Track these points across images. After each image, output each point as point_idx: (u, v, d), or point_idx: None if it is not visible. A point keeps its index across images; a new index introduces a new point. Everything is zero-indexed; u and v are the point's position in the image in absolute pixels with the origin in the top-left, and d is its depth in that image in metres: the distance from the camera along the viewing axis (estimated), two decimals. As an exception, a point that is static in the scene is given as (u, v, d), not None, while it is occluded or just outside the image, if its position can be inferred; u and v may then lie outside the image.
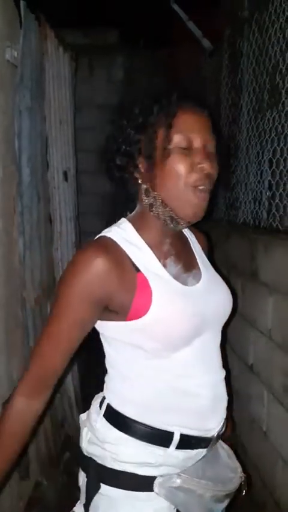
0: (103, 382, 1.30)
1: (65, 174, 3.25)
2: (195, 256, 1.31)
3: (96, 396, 1.31)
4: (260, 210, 2.54)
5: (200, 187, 1.12)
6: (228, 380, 1.34)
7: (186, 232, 1.36)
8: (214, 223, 3.24)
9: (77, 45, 3.76)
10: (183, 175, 1.11)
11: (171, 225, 1.18)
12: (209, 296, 1.22)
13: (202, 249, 1.38)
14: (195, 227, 1.41)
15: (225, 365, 1.34)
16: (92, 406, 1.30)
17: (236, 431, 1.40)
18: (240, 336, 2.56)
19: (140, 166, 1.18)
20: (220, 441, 1.34)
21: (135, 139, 1.16)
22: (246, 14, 2.69)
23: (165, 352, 1.15)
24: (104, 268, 1.08)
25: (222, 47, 3.10)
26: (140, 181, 1.19)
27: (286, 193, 2.16)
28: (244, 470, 1.32)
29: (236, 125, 2.85)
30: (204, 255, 1.35)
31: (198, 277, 1.24)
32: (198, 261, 1.30)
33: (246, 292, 2.50)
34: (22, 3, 2.22)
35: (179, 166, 1.12)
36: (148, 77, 4.87)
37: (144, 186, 1.18)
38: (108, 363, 1.24)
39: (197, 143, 1.12)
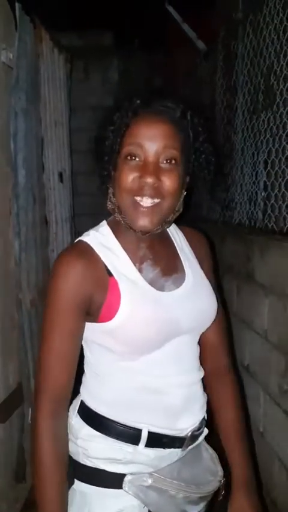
0: None
1: (61, 175, 3.25)
2: (180, 260, 1.28)
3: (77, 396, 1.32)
4: (256, 210, 2.54)
5: (142, 202, 1.10)
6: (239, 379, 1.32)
7: (174, 235, 1.33)
8: (209, 224, 3.25)
9: (72, 48, 3.77)
10: (126, 187, 1.10)
11: (132, 232, 1.16)
12: (188, 303, 1.20)
13: (196, 252, 1.34)
14: (193, 229, 1.40)
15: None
16: (71, 404, 1.30)
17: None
18: (236, 337, 2.56)
19: (105, 171, 1.19)
20: (205, 443, 1.33)
21: (103, 147, 1.17)
22: (241, 15, 2.70)
23: (132, 355, 1.16)
24: (80, 274, 1.10)
25: (217, 49, 3.11)
26: (108, 186, 1.21)
27: (281, 194, 2.16)
28: (226, 475, 1.29)
29: (231, 126, 2.85)
30: (194, 259, 1.32)
31: (179, 282, 1.22)
32: (184, 265, 1.27)
33: (242, 293, 2.50)
34: (17, 6, 2.22)
35: (123, 178, 1.11)
36: (143, 79, 4.88)
37: (109, 192, 1.20)
38: (85, 362, 1.26)
39: (145, 155, 1.09)
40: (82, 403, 1.24)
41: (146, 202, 1.10)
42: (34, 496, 1.22)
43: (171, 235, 1.32)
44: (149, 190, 1.09)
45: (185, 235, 1.35)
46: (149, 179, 1.08)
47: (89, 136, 1.24)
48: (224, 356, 1.39)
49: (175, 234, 1.34)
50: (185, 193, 1.21)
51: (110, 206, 1.20)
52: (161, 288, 1.18)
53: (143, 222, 1.11)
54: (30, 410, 2.43)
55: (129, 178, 1.10)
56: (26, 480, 2.45)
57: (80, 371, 1.21)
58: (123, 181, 1.11)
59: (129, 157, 1.10)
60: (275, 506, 2.06)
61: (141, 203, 1.10)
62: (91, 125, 1.27)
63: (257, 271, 2.27)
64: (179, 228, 1.36)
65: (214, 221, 3.20)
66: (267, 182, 2.37)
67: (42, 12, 2.65)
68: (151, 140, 1.09)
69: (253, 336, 2.31)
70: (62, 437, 1.17)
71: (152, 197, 1.09)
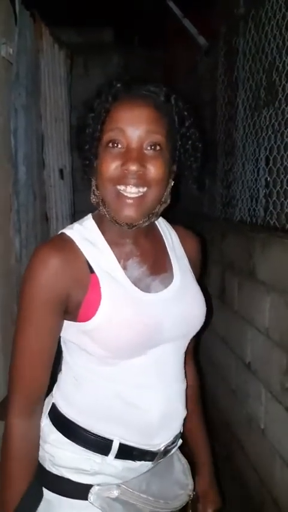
0: None
1: (61, 172, 3.24)
2: (169, 259, 1.19)
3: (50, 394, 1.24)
4: (257, 207, 2.53)
5: (126, 191, 1.02)
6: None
7: (165, 232, 1.25)
8: (211, 221, 3.24)
9: (72, 44, 3.75)
10: (108, 176, 1.02)
11: (117, 225, 1.07)
12: (175, 305, 1.12)
13: (188, 253, 1.26)
14: (186, 229, 1.32)
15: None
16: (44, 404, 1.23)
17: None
18: (238, 334, 2.56)
19: (86, 162, 1.11)
20: (178, 453, 1.29)
21: (84, 137, 1.08)
22: (243, 11, 2.68)
23: (111, 360, 1.08)
24: (57, 268, 1.02)
25: (218, 45, 3.09)
26: (91, 178, 1.13)
27: (283, 191, 2.15)
28: (218, 491, 1.34)
29: (233, 123, 2.84)
30: (184, 260, 1.23)
31: (167, 283, 1.14)
32: (173, 264, 1.19)
33: (244, 291, 2.49)
34: (17, 0, 2.21)
35: (104, 167, 1.03)
36: (144, 75, 4.87)
37: (93, 184, 1.12)
38: (63, 361, 1.18)
39: (128, 141, 1.02)
40: (54, 406, 1.17)
41: (131, 191, 1.02)
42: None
43: (161, 232, 1.24)
44: (133, 178, 1.01)
45: (178, 235, 1.27)
46: (133, 167, 0.99)
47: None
48: (190, 356, 1.34)
49: (166, 231, 1.25)
50: (172, 182, 1.13)
51: (93, 199, 1.11)
52: (145, 288, 1.10)
53: (128, 213, 1.03)
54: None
55: (112, 166, 1.02)
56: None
57: (54, 368, 1.14)
58: (105, 169, 1.02)
59: (110, 144, 1.02)
60: (276, 504, 2.06)
61: (125, 193, 1.02)
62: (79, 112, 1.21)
63: (259, 268, 2.26)
64: (173, 227, 1.28)
65: (215, 218, 3.18)
66: (269, 179, 2.36)
67: (41, 8, 2.63)
68: (133, 125, 1.01)
69: (254, 334, 2.30)
70: (33, 438, 1.12)
71: (137, 186, 1.01)
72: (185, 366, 1.24)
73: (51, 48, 2.98)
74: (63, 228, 1.16)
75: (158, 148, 1.03)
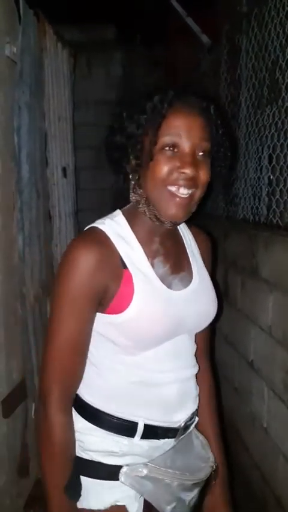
0: None
1: (64, 170, 3.24)
2: (188, 259, 1.30)
3: None
4: (260, 206, 2.53)
5: (179, 192, 1.11)
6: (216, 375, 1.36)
7: (184, 233, 1.34)
8: (213, 219, 3.24)
9: (75, 42, 3.75)
10: (162, 177, 1.10)
11: (157, 223, 1.17)
12: (192, 304, 1.22)
13: (203, 252, 1.36)
14: (199, 229, 1.40)
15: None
16: None
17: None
18: (241, 332, 2.56)
19: (131, 162, 1.18)
20: (195, 430, 1.36)
21: (128, 135, 1.15)
22: (245, 9, 2.67)
23: (135, 350, 1.17)
24: (96, 261, 1.09)
25: (221, 43, 3.09)
26: (130, 177, 1.20)
27: (286, 189, 2.15)
28: (226, 463, 1.38)
29: (236, 121, 2.84)
30: (200, 260, 1.33)
31: (186, 282, 1.24)
32: (192, 264, 1.29)
33: (247, 289, 2.49)
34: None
35: (160, 168, 1.10)
36: (147, 73, 4.87)
37: (132, 182, 1.19)
38: None
39: (184, 146, 1.10)
40: (77, 396, 1.23)
41: (183, 192, 1.11)
42: (37, 492, 1.22)
43: (181, 233, 1.33)
44: (187, 181, 1.10)
45: (193, 234, 1.37)
46: (189, 171, 1.08)
47: (97, 132, 1.22)
48: (205, 358, 1.44)
49: (185, 232, 1.35)
50: None
51: (134, 197, 1.19)
52: (169, 286, 1.19)
53: (177, 212, 1.12)
54: (33, 405, 2.43)
55: (166, 168, 1.10)
56: (30, 475, 2.45)
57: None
58: (161, 171, 1.10)
59: (167, 148, 1.10)
60: (279, 503, 2.06)
61: (178, 193, 1.11)
62: (95, 120, 1.25)
63: (262, 266, 2.26)
64: (188, 227, 1.37)
65: (218, 216, 3.18)
66: (272, 177, 2.36)
67: (44, 6, 2.63)
68: (189, 131, 1.10)
69: (257, 332, 2.31)
70: (73, 430, 1.18)
71: (189, 188, 1.10)
72: (198, 362, 1.34)
73: (55, 47, 2.98)
74: (67, 226, 1.21)
75: (206, 154, 1.13)
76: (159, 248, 1.21)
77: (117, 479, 1.18)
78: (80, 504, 1.19)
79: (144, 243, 1.18)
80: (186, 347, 1.27)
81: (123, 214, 1.22)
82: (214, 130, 1.16)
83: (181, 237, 1.33)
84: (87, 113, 4.56)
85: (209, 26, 3.45)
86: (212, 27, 3.37)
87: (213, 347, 1.38)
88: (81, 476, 1.20)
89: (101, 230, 1.15)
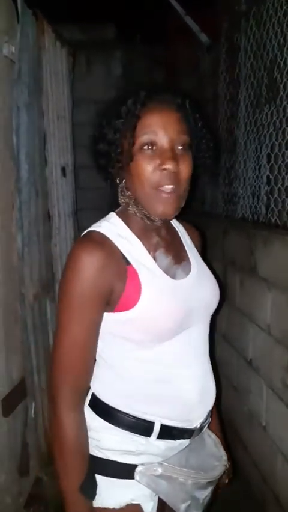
0: None
1: (63, 170, 3.24)
2: (185, 249, 1.33)
3: None
4: (259, 204, 2.54)
5: (164, 188, 1.12)
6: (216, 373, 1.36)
7: (176, 225, 1.37)
8: (212, 218, 3.24)
9: (74, 41, 3.75)
10: (145, 176, 1.12)
11: (148, 222, 1.19)
12: (197, 290, 1.24)
13: (194, 244, 1.39)
14: (188, 223, 1.43)
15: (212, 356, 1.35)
16: None
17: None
18: (239, 331, 2.56)
19: (116, 166, 1.20)
20: (207, 430, 1.37)
21: (108, 142, 1.18)
22: (244, 8, 2.68)
23: (151, 343, 1.17)
24: (101, 263, 1.10)
25: (220, 42, 3.09)
26: (117, 180, 1.22)
27: (285, 188, 2.16)
28: (230, 458, 1.38)
29: (234, 120, 2.84)
30: (195, 249, 1.37)
31: (187, 270, 1.26)
32: (188, 253, 1.32)
33: (245, 288, 2.50)
34: (19, -2, 2.20)
35: (141, 168, 1.12)
36: (146, 73, 4.86)
37: (120, 185, 1.21)
38: (97, 354, 1.24)
39: (161, 143, 1.11)
40: (93, 395, 1.25)
41: (167, 188, 1.12)
42: (37, 490, 1.23)
43: (175, 226, 1.37)
44: (170, 178, 1.11)
45: (184, 228, 1.40)
46: (170, 166, 1.09)
47: (91, 132, 1.24)
48: None
49: (178, 225, 1.38)
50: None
51: (123, 200, 1.22)
52: (173, 276, 1.21)
53: (165, 209, 1.14)
54: (33, 404, 2.44)
55: (150, 168, 1.11)
56: (30, 474, 2.46)
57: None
58: (144, 172, 1.12)
59: (145, 147, 1.11)
60: (277, 501, 2.07)
61: (163, 190, 1.12)
62: (94, 119, 1.27)
63: (260, 265, 2.26)
64: (179, 222, 1.40)
65: (217, 215, 3.19)
66: (271, 177, 2.36)
67: (43, 5, 2.63)
68: (165, 128, 1.11)
69: (256, 331, 2.31)
70: (85, 428, 1.19)
71: (173, 183, 1.12)
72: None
73: (54, 46, 2.98)
74: (66, 226, 1.23)
75: (186, 147, 1.14)
76: (158, 241, 1.23)
77: (132, 477, 1.19)
78: (95, 503, 1.20)
79: (143, 238, 1.20)
80: (199, 340, 1.28)
81: (118, 215, 1.24)
82: (192, 123, 1.18)
83: (175, 229, 1.36)
84: (86, 112, 4.55)
85: (208, 25, 3.45)
86: (211, 27, 3.36)
87: (212, 344, 1.37)
88: (96, 475, 1.21)
89: (99, 232, 1.17)
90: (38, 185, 2.65)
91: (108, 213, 1.26)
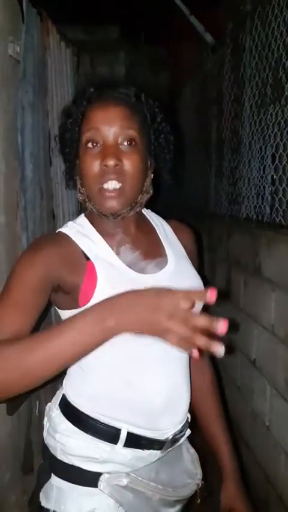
0: None
1: (68, 170, 3.24)
2: (162, 246, 1.27)
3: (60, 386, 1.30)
4: (263, 205, 2.53)
5: (107, 185, 1.11)
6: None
7: (156, 222, 1.33)
8: (217, 218, 3.24)
9: (78, 42, 3.76)
10: (89, 174, 1.12)
11: (103, 217, 1.18)
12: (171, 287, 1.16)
13: (183, 243, 1.33)
14: (179, 221, 1.41)
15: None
16: (54, 396, 1.30)
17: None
18: (243, 331, 2.56)
19: (71, 163, 1.22)
20: (187, 444, 1.33)
21: (64, 141, 1.20)
22: (249, 7, 2.67)
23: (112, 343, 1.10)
24: (47, 252, 1.10)
25: (225, 42, 3.09)
26: (75, 178, 1.23)
27: (289, 188, 2.16)
28: (204, 478, 1.31)
29: (239, 120, 2.84)
30: (178, 246, 1.31)
31: (161, 266, 1.21)
32: (167, 250, 1.26)
33: (249, 288, 2.50)
34: (24, -2, 2.21)
35: (85, 165, 1.13)
36: (150, 73, 4.87)
37: (78, 183, 1.22)
38: None
39: (104, 139, 1.11)
40: (64, 397, 1.23)
41: (110, 185, 1.11)
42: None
43: (152, 223, 1.33)
44: (112, 173, 1.10)
45: (172, 227, 1.36)
46: (110, 162, 1.09)
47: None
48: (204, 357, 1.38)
49: (158, 222, 1.34)
50: (152, 175, 1.22)
51: (80, 197, 1.22)
52: (141, 271, 1.17)
53: (111, 205, 1.13)
54: (37, 402, 2.44)
55: (93, 165, 1.11)
56: (34, 472, 2.46)
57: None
58: (87, 169, 1.12)
59: (89, 144, 1.12)
60: (280, 501, 2.07)
61: (106, 187, 1.11)
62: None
63: (264, 265, 2.26)
64: (166, 221, 1.37)
65: (221, 215, 3.19)
66: (275, 177, 2.36)
67: (48, 6, 2.64)
68: (108, 123, 1.11)
69: (260, 331, 2.31)
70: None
71: (116, 180, 1.11)
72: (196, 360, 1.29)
73: (58, 46, 2.99)
74: None
75: (133, 143, 1.13)
76: (123, 238, 1.21)
77: (96, 486, 1.15)
78: (59, 509, 1.18)
79: (107, 235, 1.19)
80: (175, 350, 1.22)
81: (85, 215, 1.25)
82: (149, 118, 1.18)
83: (153, 226, 1.32)
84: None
85: (212, 25, 3.45)
86: (215, 26, 3.37)
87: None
88: (61, 480, 1.19)
89: (62, 232, 1.19)
90: (43, 185, 2.65)
91: None
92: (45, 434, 1.29)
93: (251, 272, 2.45)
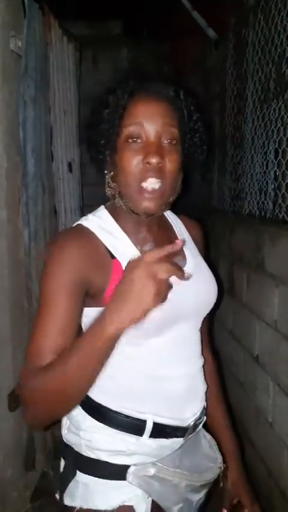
0: None
1: (70, 165, 3.24)
2: None
3: None
4: (266, 200, 2.52)
5: (147, 183, 1.08)
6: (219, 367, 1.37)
7: (173, 220, 1.33)
8: (219, 214, 3.23)
9: (81, 37, 3.75)
10: (129, 170, 1.08)
11: (134, 215, 1.15)
12: (189, 285, 1.16)
13: (193, 238, 1.35)
14: (188, 217, 1.40)
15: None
16: None
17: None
18: (246, 327, 2.56)
19: (104, 156, 1.17)
20: (203, 430, 1.34)
21: (97, 130, 1.14)
22: (252, 2, 2.66)
23: (136, 339, 1.12)
24: (76, 253, 1.07)
25: (228, 37, 3.07)
26: (106, 172, 1.19)
27: (292, 184, 2.15)
28: (224, 460, 1.35)
29: (241, 115, 2.83)
30: (193, 244, 1.32)
31: (181, 265, 1.22)
32: (184, 249, 1.26)
33: (252, 284, 2.49)
34: (26, -7, 2.20)
35: (125, 161, 1.09)
36: (153, 68, 4.85)
37: (107, 177, 1.18)
38: None
39: (147, 135, 1.08)
40: (87, 396, 1.20)
41: (151, 184, 1.08)
42: (43, 484, 1.21)
43: (170, 220, 1.33)
44: (154, 171, 1.07)
45: (183, 223, 1.36)
46: (153, 159, 1.06)
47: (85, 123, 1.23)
48: (207, 350, 1.42)
49: (173, 219, 1.34)
50: (182, 174, 1.19)
51: (109, 192, 1.18)
52: None
53: (148, 205, 1.10)
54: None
55: (133, 160, 1.08)
56: (36, 468, 2.47)
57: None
58: (128, 165, 1.08)
59: (130, 139, 1.08)
60: (284, 496, 2.06)
61: (147, 188, 1.08)
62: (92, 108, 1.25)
63: (267, 261, 2.25)
64: (177, 216, 1.36)
65: (224, 211, 3.18)
66: (278, 172, 2.35)
67: (49, 0, 2.63)
68: (151, 119, 1.08)
69: (263, 327, 2.30)
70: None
71: (157, 178, 1.07)
72: (202, 350, 1.32)
73: (60, 41, 2.98)
74: (72, 221, 1.20)
75: (174, 141, 1.10)
76: (146, 236, 1.19)
77: (124, 479, 1.16)
78: (86, 504, 1.18)
79: (131, 232, 1.17)
80: (189, 337, 1.24)
81: (107, 209, 1.22)
82: (186, 116, 1.14)
83: (170, 223, 1.32)
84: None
85: (215, 20, 3.43)
86: (218, 21, 3.35)
87: (212, 341, 1.36)
88: (86, 476, 1.19)
89: (84, 226, 1.15)
90: (45, 181, 2.65)
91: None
92: (64, 432, 1.27)
93: (253, 268, 2.44)
